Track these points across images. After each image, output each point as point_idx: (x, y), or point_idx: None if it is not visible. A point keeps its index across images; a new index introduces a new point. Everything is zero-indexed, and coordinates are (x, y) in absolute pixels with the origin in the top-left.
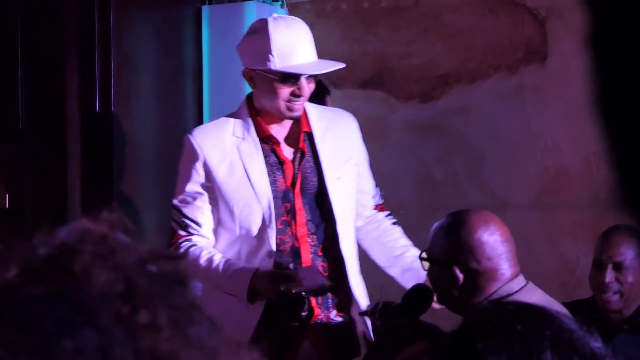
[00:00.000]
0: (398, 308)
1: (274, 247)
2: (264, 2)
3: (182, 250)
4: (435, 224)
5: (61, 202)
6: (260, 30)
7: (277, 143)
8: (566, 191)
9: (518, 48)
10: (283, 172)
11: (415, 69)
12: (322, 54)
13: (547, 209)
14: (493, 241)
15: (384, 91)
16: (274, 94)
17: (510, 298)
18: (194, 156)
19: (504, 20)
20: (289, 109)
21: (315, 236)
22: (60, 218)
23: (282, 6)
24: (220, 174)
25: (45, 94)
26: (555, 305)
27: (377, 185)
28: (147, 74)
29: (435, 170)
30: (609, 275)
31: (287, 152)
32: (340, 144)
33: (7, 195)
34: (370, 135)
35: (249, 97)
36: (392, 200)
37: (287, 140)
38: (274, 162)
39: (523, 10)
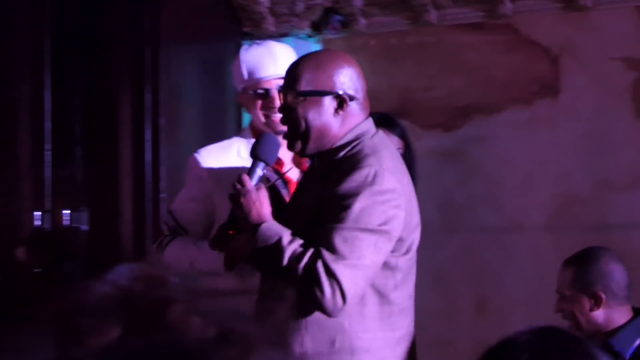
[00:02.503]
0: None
1: None
2: (299, 38)
3: (164, 244)
4: None
5: (114, 222)
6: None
7: (280, 164)
8: (576, 215)
9: (532, 83)
10: (288, 190)
11: (437, 101)
12: None
13: (558, 231)
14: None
15: (409, 121)
16: (253, 108)
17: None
18: (198, 173)
19: (519, 57)
20: (267, 124)
21: None
22: (113, 238)
23: (316, 41)
24: (224, 192)
25: (101, 122)
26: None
27: None
28: (193, 104)
29: (456, 194)
30: (557, 305)
31: (293, 172)
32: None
33: (62, 215)
34: None
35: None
36: None
37: (294, 160)
38: (279, 182)
39: (538, 48)
